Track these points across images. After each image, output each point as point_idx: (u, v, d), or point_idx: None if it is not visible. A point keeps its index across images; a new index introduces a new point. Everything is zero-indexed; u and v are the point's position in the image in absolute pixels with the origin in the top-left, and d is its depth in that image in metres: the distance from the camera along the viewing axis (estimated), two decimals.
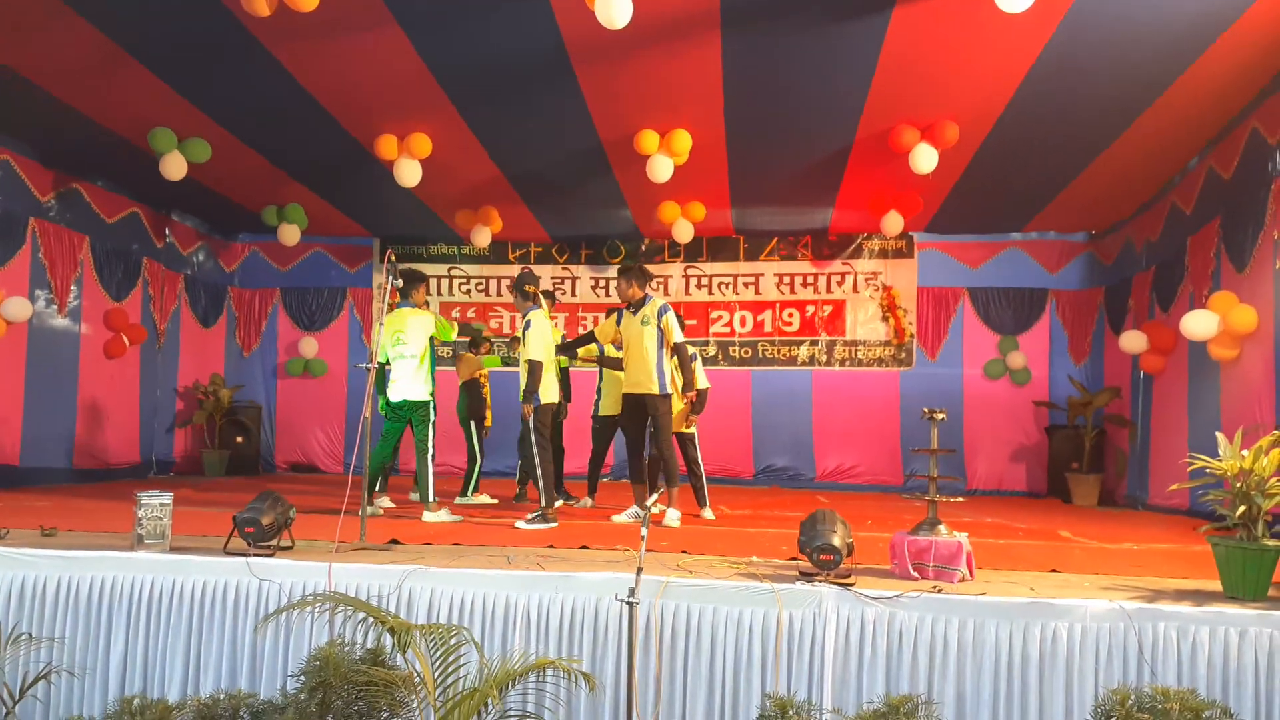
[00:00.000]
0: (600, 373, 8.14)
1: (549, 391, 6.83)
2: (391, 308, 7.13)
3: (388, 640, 3.38)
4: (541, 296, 7.27)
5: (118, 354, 10.03)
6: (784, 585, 4.00)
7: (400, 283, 6.29)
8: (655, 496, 4.84)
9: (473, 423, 8.45)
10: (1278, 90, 6.83)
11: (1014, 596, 3.91)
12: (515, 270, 12.05)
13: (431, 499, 6.73)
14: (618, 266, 7.31)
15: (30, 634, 4.33)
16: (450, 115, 7.92)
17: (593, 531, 6.07)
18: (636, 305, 6.88)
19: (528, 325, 6.72)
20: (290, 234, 10.69)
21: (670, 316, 6.82)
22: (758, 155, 8.81)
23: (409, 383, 6.99)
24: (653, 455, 7.17)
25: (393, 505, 7.56)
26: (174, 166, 8.36)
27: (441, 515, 6.58)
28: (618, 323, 7.07)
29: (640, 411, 6.87)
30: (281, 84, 7.29)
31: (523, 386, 6.67)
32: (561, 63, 6.89)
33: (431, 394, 7.06)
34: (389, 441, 7.38)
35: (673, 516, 6.70)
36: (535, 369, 6.62)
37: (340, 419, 12.19)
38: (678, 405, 7.15)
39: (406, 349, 7.01)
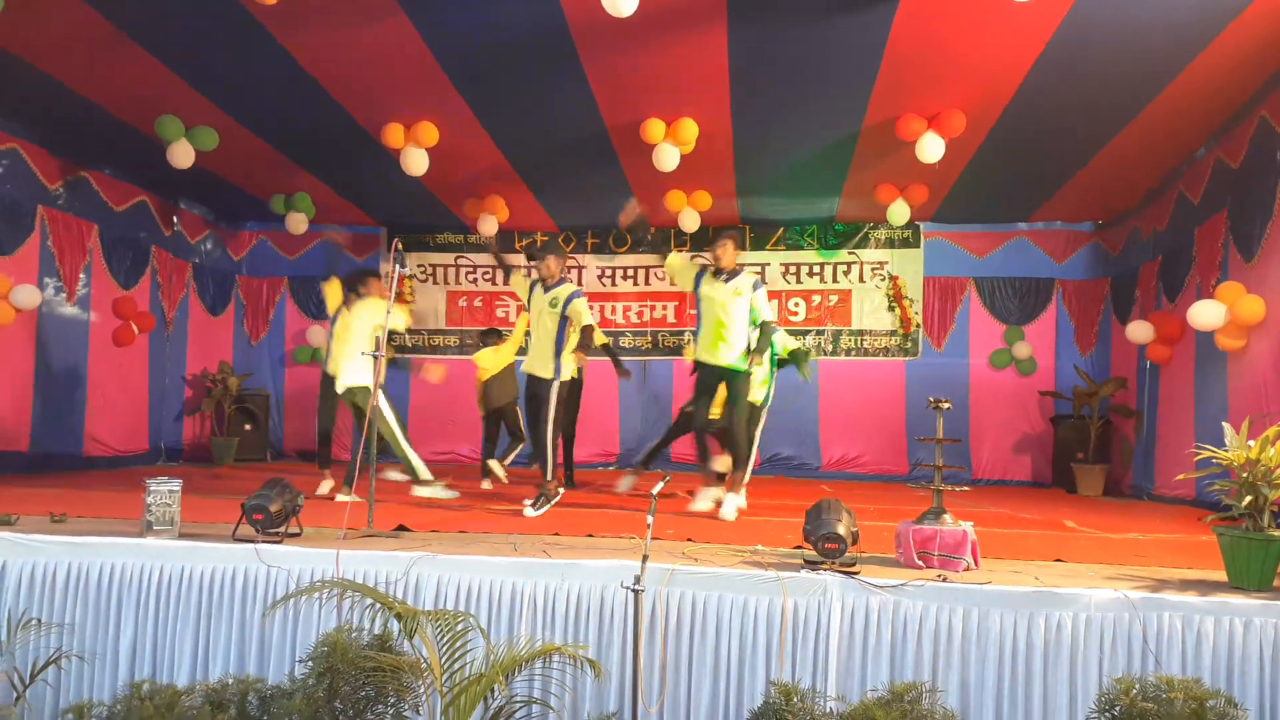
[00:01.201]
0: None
1: (570, 368, 6.83)
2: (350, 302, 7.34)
3: (395, 626, 3.40)
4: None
5: (126, 342, 10.06)
6: (789, 573, 4.02)
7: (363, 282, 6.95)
8: (662, 485, 4.84)
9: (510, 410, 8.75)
10: None
11: (1019, 585, 3.93)
12: (521, 259, 12.09)
13: (422, 474, 6.76)
14: (726, 232, 6.97)
15: (40, 619, 4.37)
16: (457, 103, 7.92)
17: (599, 519, 6.09)
18: (730, 274, 6.64)
19: (574, 296, 6.67)
20: (298, 222, 10.72)
21: (763, 292, 6.69)
22: (764, 144, 8.79)
23: (357, 371, 7.15)
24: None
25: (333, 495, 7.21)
26: (181, 154, 8.38)
27: (436, 490, 6.59)
28: (697, 282, 6.74)
29: (717, 386, 6.65)
30: (289, 72, 7.30)
31: (583, 341, 6.66)
32: (568, 51, 6.88)
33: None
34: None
35: (730, 507, 6.43)
36: (589, 332, 6.69)
37: (348, 407, 12.20)
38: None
39: (354, 335, 7.19)
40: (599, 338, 8.11)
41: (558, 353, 6.63)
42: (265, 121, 8.55)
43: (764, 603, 3.96)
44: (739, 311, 6.50)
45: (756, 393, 7.11)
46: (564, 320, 6.65)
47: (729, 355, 6.50)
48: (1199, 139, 8.23)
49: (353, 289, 7.41)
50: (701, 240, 11.69)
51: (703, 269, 6.78)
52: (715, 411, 6.89)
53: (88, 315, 9.62)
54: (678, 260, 7.04)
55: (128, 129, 8.50)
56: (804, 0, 6.21)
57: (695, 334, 6.85)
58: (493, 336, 9.27)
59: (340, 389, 7.24)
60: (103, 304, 9.80)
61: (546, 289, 6.66)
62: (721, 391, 6.69)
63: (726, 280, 6.59)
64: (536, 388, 6.61)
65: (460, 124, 8.32)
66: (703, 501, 6.55)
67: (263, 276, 12.38)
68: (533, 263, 6.70)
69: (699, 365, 6.70)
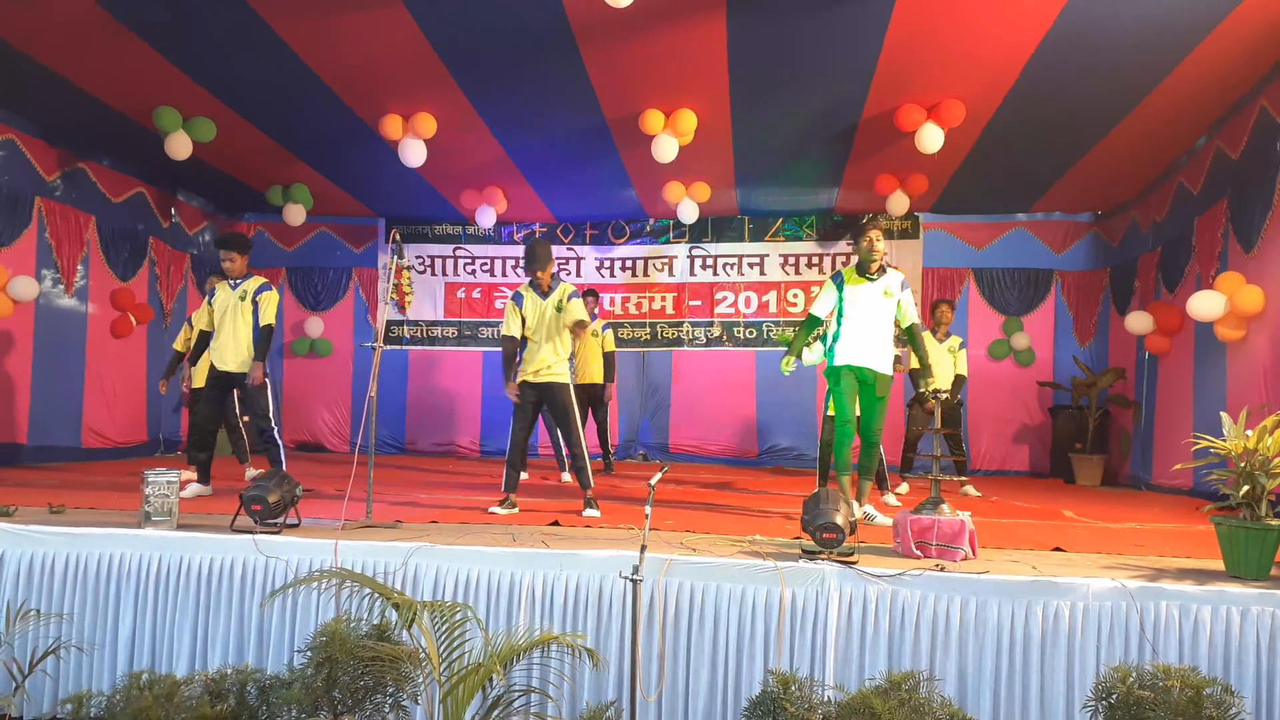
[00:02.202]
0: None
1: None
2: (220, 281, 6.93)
3: (393, 616, 3.40)
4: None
5: (124, 333, 10.05)
6: (787, 563, 4.02)
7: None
8: (660, 475, 4.83)
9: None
10: None
11: (1016, 575, 3.93)
12: (521, 251, 12.10)
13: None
14: (878, 225, 6.03)
15: (39, 610, 4.37)
16: (455, 94, 7.90)
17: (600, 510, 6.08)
18: (874, 270, 5.98)
19: (575, 295, 6.30)
20: (295, 214, 10.71)
21: (910, 294, 6.13)
22: (763, 135, 8.78)
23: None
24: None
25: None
26: (179, 146, 8.37)
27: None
28: (840, 284, 6.06)
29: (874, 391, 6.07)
30: (286, 62, 7.28)
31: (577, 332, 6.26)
32: (566, 41, 6.86)
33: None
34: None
35: (876, 512, 5.93)
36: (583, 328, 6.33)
37: (346, 399, 12.24)
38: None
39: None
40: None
41: (571, 356, 6.44)
42: (263, 112, 8.53)
43: (762, 592, 3.96)
44: (890, 316, 6.00)
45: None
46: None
47: (887, 364, 6.03)
48: (1199, 129, 8.22)
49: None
50: (700, 232, 11.72)
51: (841, 275, 6.10)
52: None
53: (86, 307, 9.61)
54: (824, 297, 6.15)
55: (125, 120, 8.49)
56: None
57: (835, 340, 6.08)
58: None
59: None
60: (101, 296, 9.79)
61: (545, 294, 6.27)
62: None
63: (874, 279, 5.98)
64: (560, 394, 6.24)
65: (458, 115, 8.30)
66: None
67: (261, 268, 12.34)
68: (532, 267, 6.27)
69: (857, 373, 6.02)
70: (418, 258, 12.29)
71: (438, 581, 4.22)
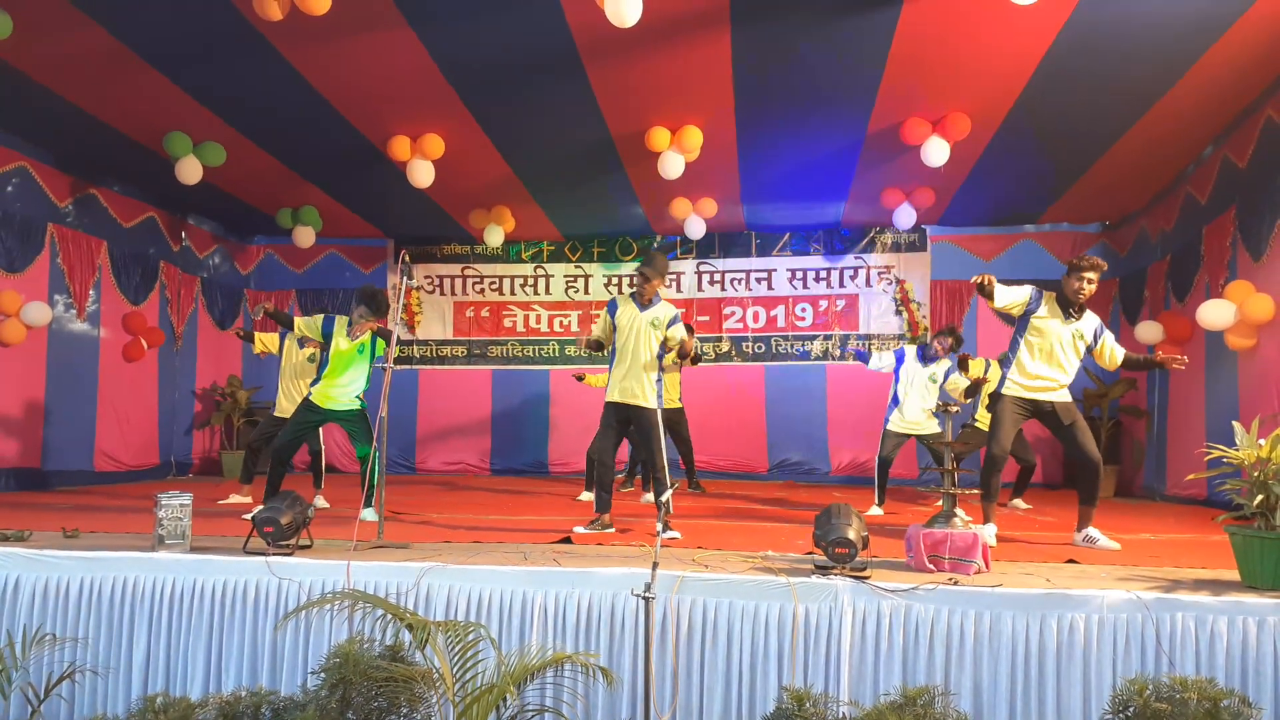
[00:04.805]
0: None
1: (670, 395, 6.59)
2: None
3: (406, 637, 3.40)
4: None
5: (136, 357, 10.11)
6: (800, 579, 4.01)
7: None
8: (670, 492, 4.83)
9: None
10: None
11: (1030, 588, 3.91)
12: (529, 269, 12.14)
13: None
14: (1099, 265, 5.57)
15: (54, 634, 4.38)
16: (462, 115, 7.95)
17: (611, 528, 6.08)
18: (1076, 310, 5.60)
19: (677, 319, 6.27)
20: (305, 236, 10.77)
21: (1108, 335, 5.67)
22: (769, 150, 8.80)
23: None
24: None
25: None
26: (189, 170, 8.43)
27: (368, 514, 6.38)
28: (1034, 304, 5.65)
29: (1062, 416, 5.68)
30: (294, 87, 7.34)
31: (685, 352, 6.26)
32: (572, 60, 6.90)
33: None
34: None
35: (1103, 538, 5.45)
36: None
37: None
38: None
39: None
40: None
41: (659, 378, 6.16)
42: (272, 136, 8.60)
43: (775, 608, 3.94)
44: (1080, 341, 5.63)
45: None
46: (662, 344, 6.17)
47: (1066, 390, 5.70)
48: (1206, 138, 8.22)
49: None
50: (707, 247, 11.74)
51: (1041, 293, 5.70)
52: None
53: (98, 331, 9.67)
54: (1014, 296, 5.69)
55: (136, 146, 8.56)
56: (807, 6, 6.23)
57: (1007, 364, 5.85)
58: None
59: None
60: (113, 320, 9.86)
61: (644, 307, 6.12)
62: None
63: (1065, 312, 5.60)
64: (647, 419, 6.02)
65: (466, 136, 8.35)
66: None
67: (271, 290, 12.43)
68: (640, 274, 6.12)
69: (1036, 404, 5.70)
70: (426, 277, 12.34)
71: (450, 601, 4.21)
